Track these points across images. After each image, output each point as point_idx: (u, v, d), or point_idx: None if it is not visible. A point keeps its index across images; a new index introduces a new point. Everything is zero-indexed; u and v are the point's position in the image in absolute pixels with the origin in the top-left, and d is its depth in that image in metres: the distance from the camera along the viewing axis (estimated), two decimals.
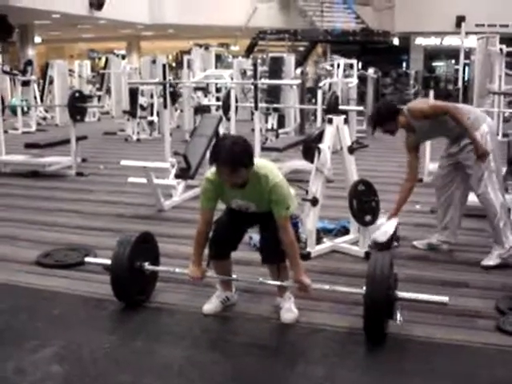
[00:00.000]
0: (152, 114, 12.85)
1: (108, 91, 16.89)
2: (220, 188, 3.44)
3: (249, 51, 20.61)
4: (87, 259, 4.15)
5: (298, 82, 11.32)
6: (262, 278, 3.74)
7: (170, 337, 3.45)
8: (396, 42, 23.46)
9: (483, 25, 19.43)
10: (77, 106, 8.48)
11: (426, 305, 3.72)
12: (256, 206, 3.46)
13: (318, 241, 4.85)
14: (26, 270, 4.46)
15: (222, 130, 7.15)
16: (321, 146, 4.76)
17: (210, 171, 3.48)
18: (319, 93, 9.84)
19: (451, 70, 24.64)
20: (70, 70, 17.81)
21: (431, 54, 24.90)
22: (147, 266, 3.75)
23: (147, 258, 3.78)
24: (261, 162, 3.44)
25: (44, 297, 3.98)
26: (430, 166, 7.65)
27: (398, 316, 3.34)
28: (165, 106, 7.45)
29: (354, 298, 3.78)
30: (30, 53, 20.08)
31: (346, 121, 4.99)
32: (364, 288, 3.25)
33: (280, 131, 10.77)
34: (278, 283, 3.60)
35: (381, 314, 3.23)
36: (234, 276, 3.80)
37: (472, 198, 6.20)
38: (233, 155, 3.17)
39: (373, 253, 3.58)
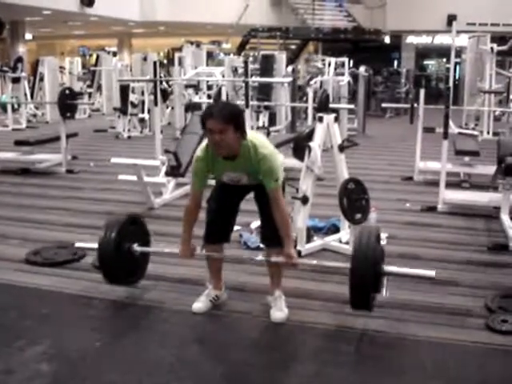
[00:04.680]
0: (143, 112, 12.80)
1: (99, 88, 16.83)
2: (211, 163, 3.42)
3: (240, 49, 20.59)
4: (78, 244, 4.17)
5: (290, 79, 11.31)
6: (250, 274, 3.74)
7: (160, 335, 3.44)
8: (387, 40, 23.49)
9: (474, 24, 19.48)
10: (67, 103, 8.44)
11: (417, 303, 3.74)
12: (248, 177, 3.44)
13: (309, 239, 4.84)
14: (14, 267, 4.43)
15: None
16: (311, 144, 4.76)
17: (199, 149, 3.48)
18: (310, 91, 9.83)
19: (442, 68, 24.74)
20: (61, 67, 17.74)
21: (422, 53, 24.93)
22: (136, 247, 3.74)
23: (137, 240, 3.78)
24: (253, 134, 3.46)
25: (33, 295, 3.96)
26: (421, 164, 7.68)
27: (384, 290, 3.31)
28: (156, 104, 7.42)
29: (344, 297, 3.78)
30: (21, 49, 19.92)
31: (337, 119, 4.98)
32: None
33: (271, 129, 10.75)
34: (267, 258, 3.57)
35: (367, 286, 3.18)
36: (222, 273, 3.79)
37: (463, 197, 6.26)
38: (225, 111, 3.27)
39: (359, 227, 3.55)
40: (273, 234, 3.49)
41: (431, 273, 3.30)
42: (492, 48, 12.88)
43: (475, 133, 8.66)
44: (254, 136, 3.44)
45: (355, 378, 3.03)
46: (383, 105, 12.46)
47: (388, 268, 3.33)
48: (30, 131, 12.82)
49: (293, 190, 4.71)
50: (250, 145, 3.34)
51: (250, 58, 14.37)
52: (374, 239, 3.27)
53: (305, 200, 4.70)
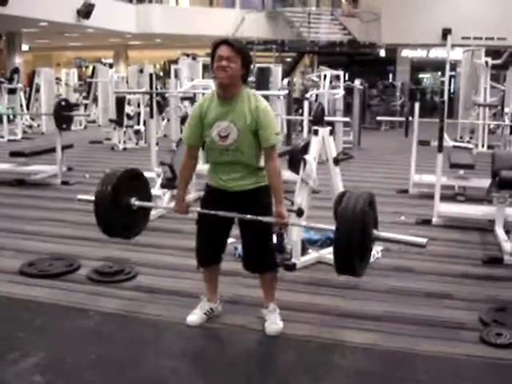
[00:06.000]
0: (139, 123, 12.82)
1: (95, 100, 16.86)
2: (206, 108, 3.41)
3: None
4: (80, 196, 4.16)
5: (285, 92, 11.35)
6: (245, 287, 3.72)
7: (155, 348, 3.42)
8: (382, 53, 23.62)
9: (469, 37, 19.64)
10: (63, 114, 8.44)
11: (411, 317, 3.74)
12: (237, 133, 3.35)
13: (304, 252, 4.84)
14: (9, 279, 4.41)
15: None
16: (306, 157, 4.77)
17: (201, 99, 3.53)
18: (306, 104, 9.87)
19: (437, 81, 24.87)
20: (57, 78, 17.77)
21: (417, 66, 25.06)
22: (133, 201, 3.72)
23: (137, 195, 3.76)
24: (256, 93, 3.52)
25: (27, 307, 3.94)
26: (416, 177, 7.70)
27: (374, 252, 3.20)
28: (151, 116, 7.43)
29: (339, 310, 3.80)
30: (17, 60, 19.96)
31: (332, 132, 5.00)
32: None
33: None
34: (261, 218, 3.43)
35: (351, 248, 3.05)
36: (219, 282, 3.79)
37: (458, 210, 6.28)
38: (238, 43, 3.39)
39: (348, 191, 3.45)
40: (255, 263, 3.59)
41: (422, 240, 3.23)
42: (486, 62, 12.96)
43: (470, 146, 8.70)
44: (258, 94, 3.49)
45: None
46: (378, 118, 12.53)
47: (377, 233, 3.22)
48: (26, 142, 12.82)
49: (288, 203, 4.71)
50: (250, 93, 3.41)
51: None
52: (364, 203, 3.12)
53: (300, 213, 4.70)
